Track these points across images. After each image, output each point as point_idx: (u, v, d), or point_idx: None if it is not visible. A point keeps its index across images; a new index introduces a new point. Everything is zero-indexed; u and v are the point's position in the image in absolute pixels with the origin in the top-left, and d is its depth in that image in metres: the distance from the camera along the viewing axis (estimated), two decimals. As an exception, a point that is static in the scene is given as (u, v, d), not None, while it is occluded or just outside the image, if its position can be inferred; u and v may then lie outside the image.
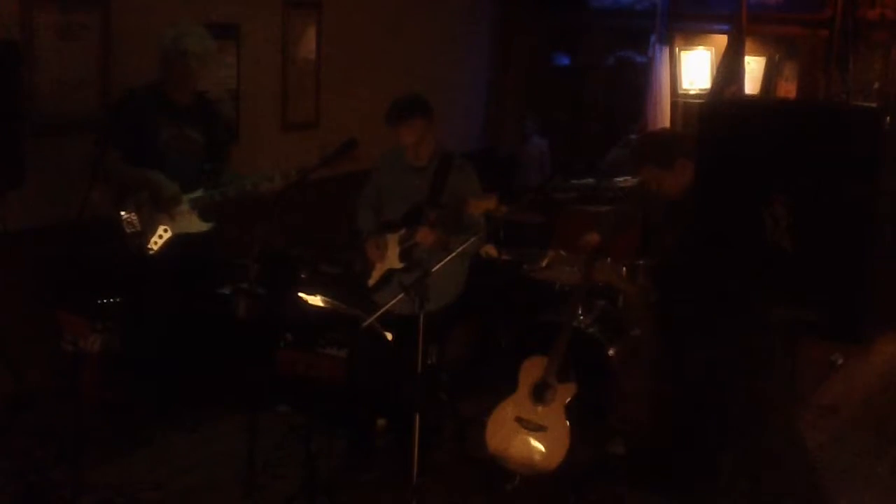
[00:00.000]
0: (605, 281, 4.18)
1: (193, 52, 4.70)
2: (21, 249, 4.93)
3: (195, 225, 4.78)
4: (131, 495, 4.24)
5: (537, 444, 4.43)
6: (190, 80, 4.77)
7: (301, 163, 4.76)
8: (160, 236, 4.72)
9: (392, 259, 4.52)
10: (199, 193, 4.76)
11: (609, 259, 4.82)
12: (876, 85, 7.78)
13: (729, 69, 7.65)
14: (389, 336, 4.09)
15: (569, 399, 4.45)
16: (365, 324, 3.93)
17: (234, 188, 4.78)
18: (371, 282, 4.59)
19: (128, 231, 4.71)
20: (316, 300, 3.98)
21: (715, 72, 8.01)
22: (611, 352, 4.86)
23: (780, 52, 8.14)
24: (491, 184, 4.65)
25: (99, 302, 4.69)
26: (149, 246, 4.70)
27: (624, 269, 4.82)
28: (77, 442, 4.28)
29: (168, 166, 4.70)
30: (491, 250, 5.59)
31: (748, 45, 7.74)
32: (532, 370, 4.52)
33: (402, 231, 4.51)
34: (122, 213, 4.69)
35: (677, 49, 8.38)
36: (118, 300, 4.76)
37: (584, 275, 4.71)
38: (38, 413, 4.79)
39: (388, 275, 4.54)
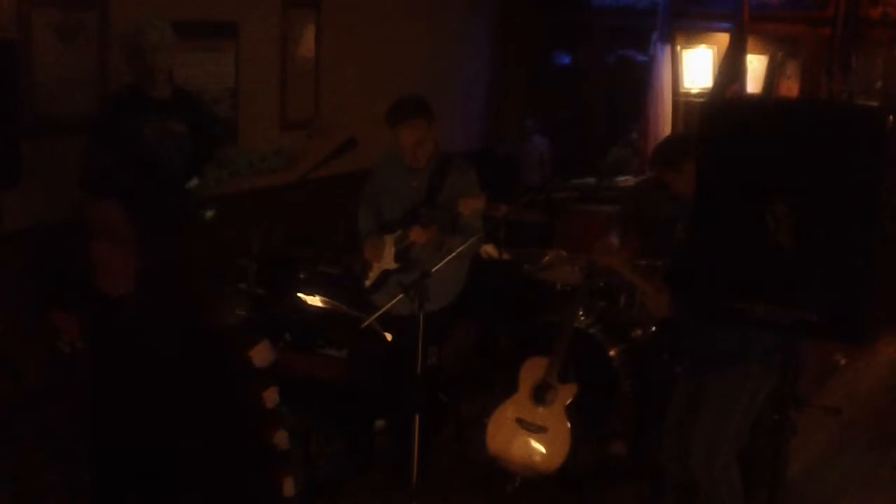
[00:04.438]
0: (606, 263, 4.15)
1: (153, 46, 4.68)
2: (20, 249, 4.91)
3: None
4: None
5: (538, 446, 4.42)
6: (158, 73, 4.75)
7: (300, 163, 4.75)
8: None
9: (388, 260, 4.50)
10: (193, 183, 4.74)
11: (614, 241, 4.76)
12: (878, 84, 7.76)
13: (731, 68, 7.64)
14: (389, 337, 4.08)
15: (570, 400, 4.43)
16: (364, 324, 3.92)
17: (229, 173, 4.76)
18: (367, 283, 4.57)
19: None
20: (315, 300, 3.97)
21: (716, 71, 7.99)
22: (612, 352, 4.84)
23: (782, 51, 8.12)
24: (491, 184, 4.63)
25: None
26: None
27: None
28: (77, 442, 4.26)
29: (155, 161, 4.69)
30: (491, 250, 5.57)
31: (750, 43, 7.73)
32: (533, 371, 4.50)
33: (399, 232, 4.49)
34: None
35: (679, 48, 8.35)
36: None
37: (587, 274, 4.70)
38: (37, 413, 4.77)
39: (384, 276, 4.52)
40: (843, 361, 6.17)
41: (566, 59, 9.35)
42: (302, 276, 5.39)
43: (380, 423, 4.80)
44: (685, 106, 8.34)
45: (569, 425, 4.39)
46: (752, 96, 7.78)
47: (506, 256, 5.65)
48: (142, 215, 2.11)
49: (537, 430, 4.42)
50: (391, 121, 4.38)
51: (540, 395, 4.45)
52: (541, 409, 4.44)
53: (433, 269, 3.94)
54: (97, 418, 2.32)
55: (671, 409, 3.96)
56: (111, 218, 2.15)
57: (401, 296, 3.96)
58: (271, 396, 2.46)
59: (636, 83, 8.56)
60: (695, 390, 3.80)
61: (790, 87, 8.05)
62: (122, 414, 2.27)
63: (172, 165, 4.73)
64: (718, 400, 3.70)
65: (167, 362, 2.17)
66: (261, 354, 2.40)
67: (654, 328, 4.85)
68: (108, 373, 2.32)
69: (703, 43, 8.40)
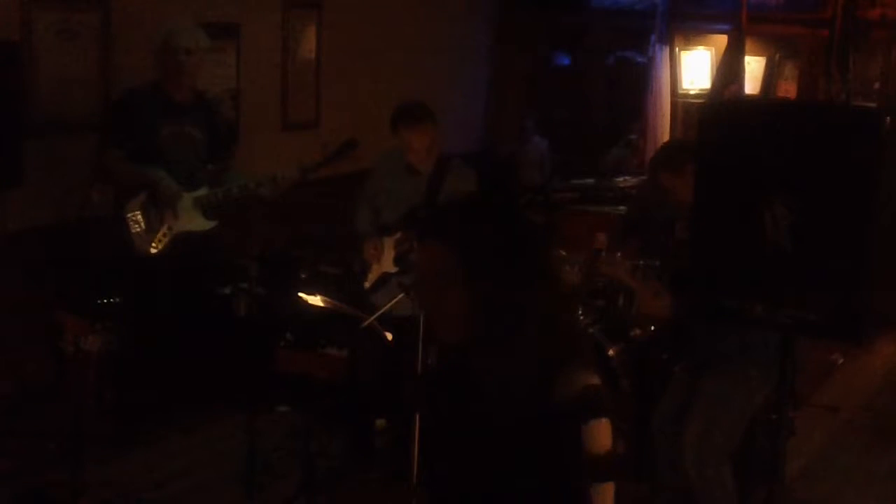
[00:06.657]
0: (610, 275, 4.15)
1: (186, 49, 4.71)
2: (21, 249, 4.92)
3: (198, 223, 4.79)
4: (131, 495, 4.24)
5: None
6: (186, 76, 4.77)
7: (301, 162, 4.77)
8: (164, 234, 4.73)
9: (387, 263, 4.52)
10: (202, 192, 4.77)
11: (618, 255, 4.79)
12: (876, 85, 7.78)
13: (729, 69, 7.65)
14: (389, 336, 4.09)
15: (569, 399, 4.43)
16: (365, 324, 3.93)
17: (238, 187, 4.79)
18: (367, 284, 4.59)
19: (133, 231, 4.72)
20: (316, 300, 3.98)
21: (715, 72, 8.00)
22: (611, 352, 4.85)
23: (780, 52, 8.14)
24: (491, 184, 4.65)
25: (99, 302, 4.69)
26: (153, 244, 4.71)
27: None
28: (77, 442, 4.27)
29: (169, 164, 4.72)
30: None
31: (748, 44, 7.74)
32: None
33: (399, 234, 4.50)
34: (128, 213, 4.70)
35: (677, 49, 8.37)
36: (118, 300, 4.76)
37: (587, 273, 4.69)
38: (38, 413, 4.78)
39: (384, 278, 4.53)
40: (840, 360, 6.19)
41: (566, 60, 9.37)
42: (303, 275, 5.41)
43: (380, 422, 4.81)
44: (684, 107, 8.36)
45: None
46: (751, 97, 7.80)
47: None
48: (468, 252, 1.80)
49: (537, 430, 4.42)
50: (404, 124, 4.36)
51: (539, 394, 4.45)
52: (540, 409, 4.44)
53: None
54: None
55: (662, 408, 3.96)
56: (432, 259, 1.86)
57: (401, 296, 3.97)
58: (607, 496, 1.85)
59: (635, 84, 8.57)
60: (691, 390, 3.81)
61: (788, 89, 8.07)
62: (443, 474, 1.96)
63: (185, 170, 4.75)
64: (714, 399, 3.71)
65: (494, 431, 1.82)
66: (599, 435, 1.85)
67: (653, 328, 4.86)
68: (438, 427, 2.00)
69: (701, 44, 8.42)
